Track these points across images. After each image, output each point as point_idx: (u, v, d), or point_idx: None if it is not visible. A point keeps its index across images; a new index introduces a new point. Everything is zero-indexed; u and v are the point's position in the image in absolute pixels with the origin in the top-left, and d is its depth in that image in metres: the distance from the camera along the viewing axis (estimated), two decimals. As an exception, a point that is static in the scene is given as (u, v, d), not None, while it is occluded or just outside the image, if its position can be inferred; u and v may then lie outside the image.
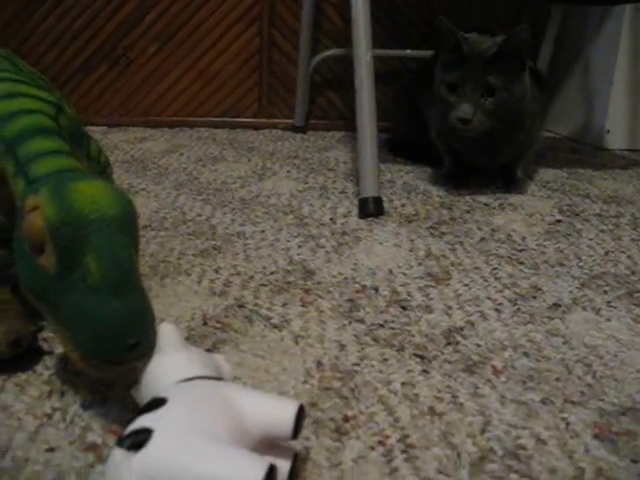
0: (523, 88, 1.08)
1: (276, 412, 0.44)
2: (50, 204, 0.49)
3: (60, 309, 0.49)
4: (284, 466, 0.46)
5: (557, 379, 0.61)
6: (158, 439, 0.39)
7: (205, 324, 0.69)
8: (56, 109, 0.63)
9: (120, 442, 0.40)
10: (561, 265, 0.87)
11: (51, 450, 0.50)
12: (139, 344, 0.48)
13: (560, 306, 0.75)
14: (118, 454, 0.39)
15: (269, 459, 0.44)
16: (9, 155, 0.56)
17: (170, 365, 0.48)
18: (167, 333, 0.49)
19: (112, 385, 0.58)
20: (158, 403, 0.43)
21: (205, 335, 0.67)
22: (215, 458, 0.38)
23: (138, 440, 0.39)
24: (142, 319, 0.49)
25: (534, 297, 0.78)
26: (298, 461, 0.48)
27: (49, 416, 0.54)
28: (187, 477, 0.38)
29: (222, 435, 0.41)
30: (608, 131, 1.62)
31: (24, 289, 0.52)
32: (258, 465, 0.37)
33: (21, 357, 0.61)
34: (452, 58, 1.09)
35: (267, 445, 0.46)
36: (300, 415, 0.45)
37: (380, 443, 0.52)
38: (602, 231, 1.01)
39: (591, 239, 0.97)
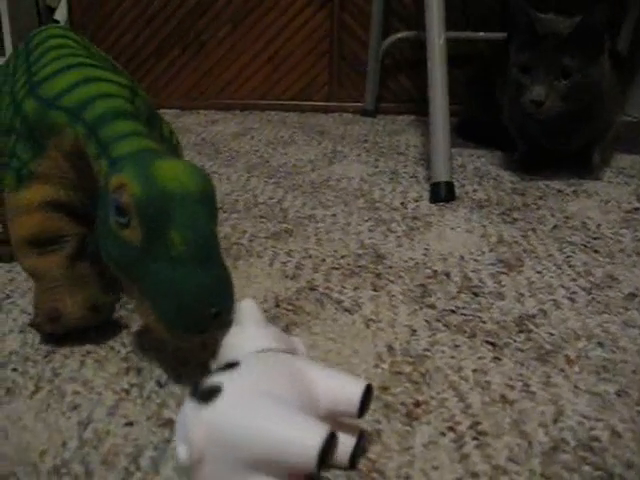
0: (601, 71, 1.05)
1: (344, 389, 0.45)
2: (135, 181, 0.50)
3: (145, 281, 0.51)
4: (348, 442, 0.47)
5: (633, 371, 0.60)
6: (227, 396, 0.41)
7: (278, 306, 0.70)
8: (131, 92, 0.65)
9: (192, 395, 0.42)
10: (638, 254, 0.85)
11: (129, 424, 0.52)
12: (221, 313, 0.50)
13: (637, 296, 0.74)
14: (189, 406, 0.42)
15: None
16: (91, 138, 0.58)
17: (248, 337, 0.49)
18: (247, 308, 0.51)
19: (187, 363, 0.59)
20: (232, 365, 0.45)
21: (278, 317, 0.68)
22: (278, 419, 0.40)
23: (209, 395, 0.41)
24: (223, 289, 0.52)
25: (609, 286, 0.76)
26: (363, 440, 0.49)
27: (127, 392, 0.56)
28: (250, 434, 0.39)
29: (289, 400, 0.42)
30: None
31: (109, 263, 0.54)
32: (319, 430, 0.39)
33: (100, 329, 0.64)
34: (526, 39, 1.07)
35: (334, 421, 0.47)
36: (367, 394, 0.46)
37: (451, 429, 0.52)
38: (682, 220, 0.98)
39: (670, 228, 0.95)
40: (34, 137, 0.62)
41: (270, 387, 0.43)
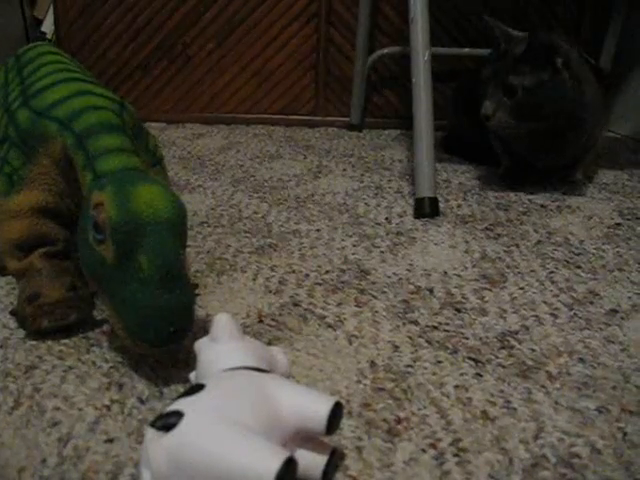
0: (558, 90, 1.06)
1: (311, 407, 0.45)
2: (113, 204, 0.54)
3: (114, 294, 0.55)
4: (320, 460, 0.47)
5: (614, 387, 0.60)
6: (187, 423, 0.42)
7: (260, 322, 0.70)
8: (120, 106, 0.68)
9: (153, 422, 0.42)
10: (620, 270, 0.85)
11: (110, 441, 0.52)
12: (178, 332, 0.54)
13: (618, 312, 0.74)
14: (150, 433, 0.42)
15: (304, 452, 0.47)
16: (79, 148, 0.61)
17: (221, 354, 0.50)
18: (223, 323, 0.51)
19: (169, 380, 0.59)
20: (196, 389, 0.45)
21: (260, 333, 0.68)
22: (237, 445, 0.40)
23: (168, 422, 0.42)
24: (183, 311, 0.55)
25: (591, 302, 0.76)
26: (336, 457, 0.49)
27: (108, 408, 0.56)
28: (209, 460, 0.40)
29: (251, 424, 0.42)
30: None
31: (84, 271, 0.58)
32: (275, 456, 0.39)
33: (81, 344, 0.64)
34: (492, 55, 1.10)
35: (305, 439, 0.47)
36: (336, 412, 0.46)
37: (432, 446, 0.52)
38: (663, 236, 0.99)
39: (652, 244, 0.95)
40: (26, 145, 0.65)
41: (232, 411, 0.43)
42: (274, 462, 0.38)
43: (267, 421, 0.44)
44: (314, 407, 0.45)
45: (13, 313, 0.65)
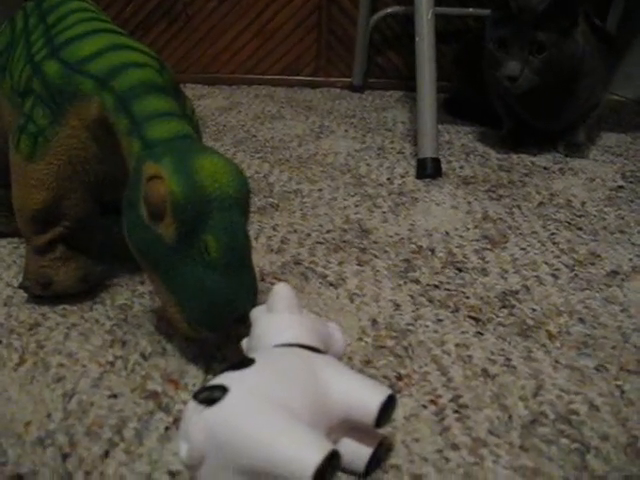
0: (574, 45, 1.05)
1: (362, 397, 0.43)
2: (174, 178, 0.49)
3: (172, 278, 0.51)
4: (364, 452, 0.45)
5: (613, 347, 0.60)
6: (231, 399, 0.39)
7: (262, 280, 0.70)
8: (159, 64, 0.61)
9: (195, 395, 0.40)
10: (621, 232, 0.86)
11: (114, 396, 0.52)
12: (244, 316, 0.51)
13: (619, 273, 0.74)
14: (191, 405, 0.40)
15: (349, 442, 0.44)
16: (122, 110, 0.55)
17: (276, 326, 0.47)
18: (282, 293, 0.49)
19: (172, 337, 0.59)
20: (245, 363, 0.42)
21: (262, 291, 0.68)
22: (277, 434, 0.37)
23: (212, 396, 0.39)
24: (250, 295, 0.52)
25: (592, 264, 0.77)
26: (383, 448, 0.47)
27: (111, 364, 0.56)
28: (246, 444, 0.38)
29: (297, 409, 0.40)
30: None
31: (133, 251, 0.53)
32: (318, 448, 0.37)
33: (85, 302, 0.65)
34: (501, 14, 1.07)
35: (353, 427, 0.45)
36: (388, 404, 0.43)
37: (432, 402, 0.52)
38: (666, 198, 0.99)
39: (654, 206, 0.95)
40: (54, 102, 0.58)
41: (279, 393, 0.40)
42: (316, 455, 0.36)
43: (314, 407, 0.41)
44: (365, 398, 0.43)
45: (21, 287, 0.63)
